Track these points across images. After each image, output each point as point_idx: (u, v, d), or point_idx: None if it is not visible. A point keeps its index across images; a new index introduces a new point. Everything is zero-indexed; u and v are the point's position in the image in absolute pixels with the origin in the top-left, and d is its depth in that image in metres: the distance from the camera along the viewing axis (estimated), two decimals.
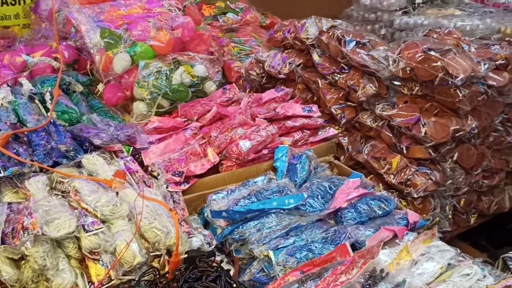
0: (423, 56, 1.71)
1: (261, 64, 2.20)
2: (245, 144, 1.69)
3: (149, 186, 1.46)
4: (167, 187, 1.52)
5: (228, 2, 2.62)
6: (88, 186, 1.36)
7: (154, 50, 1.93)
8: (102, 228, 1.22)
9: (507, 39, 2.04)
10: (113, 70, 1.88)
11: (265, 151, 1.75)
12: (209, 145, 1.72)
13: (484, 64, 1.74)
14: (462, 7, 2.79)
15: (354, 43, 1.89)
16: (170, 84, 1.90)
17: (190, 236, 1.33)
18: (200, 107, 1.87)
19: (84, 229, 1.21)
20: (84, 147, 1.60)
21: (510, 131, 1.97)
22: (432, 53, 1.70)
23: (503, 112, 1.92)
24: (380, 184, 1.82)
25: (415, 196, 1.72)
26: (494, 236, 2.36)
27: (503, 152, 2.00)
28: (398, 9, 2.82)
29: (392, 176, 1.78)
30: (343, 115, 1.93)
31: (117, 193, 1.33)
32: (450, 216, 1.82)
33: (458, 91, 1.69)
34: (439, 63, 1.67)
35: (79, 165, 1.51)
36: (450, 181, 1.80)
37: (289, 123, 1.86)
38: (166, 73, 1.90)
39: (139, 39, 1.90)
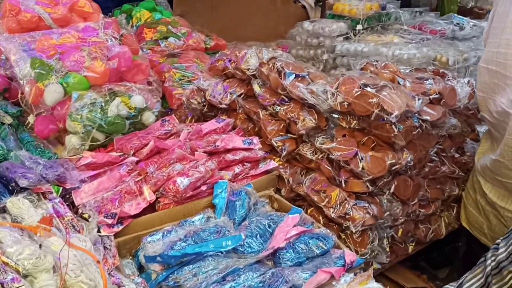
0: (359, 92, 1.73)
1: (202, 93, 2.17)
2: (182, 181, 1.65)
3: (79, 231, 1.39)
4: (98, 231, 1.46)
5: (170, 26, 2.57)
6: (11, 235, 1.27)
7: (88, 81, 1.85)
8: (23, 285, 1.14)
9: (441, 70, 2.11)
10: (44, 102, 1.79)
11: (204, 187, 1.71)
12: (145, 183, 1.67)
13: (419, 100, 1.78)
14: (400, 34, 2.87)
15: (293, 76, 1.89)
16: (106, 116, 1.82)
17: (120, 287, 1.27)
18: (137, 141, 1.81)
19: (3, 287, 1.13)
20: (10, 187, 1.51)
21: (445, 161, 2.03)
22: (368, 89, 1.73)
23: (438, 143, 1.98)
24: (320, 217, 1.83)
25: (354, 230, 1.73)
26: (432, 257, 2.43)
27: (438, 181, 2.06)
28: (339, 35, 2.86)
29: (331, 210, 1.78)
30: (284, 147, 1.92)
31: (40, 245, 1.26)
32: (387, 249, 1.84)
33: (393, 126, 1.72)
34: (374, 99, 1.69)
35: (3, 209, 1.42)
36: (387, 213, 1.83)
37: (229, 156, 1.83)
38: (101, 105, 1.83)
39: (72, 69, 1.82)
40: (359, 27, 2.85)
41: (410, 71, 2.13)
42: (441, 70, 2.11)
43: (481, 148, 2.00)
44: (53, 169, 1.55)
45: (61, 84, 1.82)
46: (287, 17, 3.95)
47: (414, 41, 2.76)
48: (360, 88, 1.74)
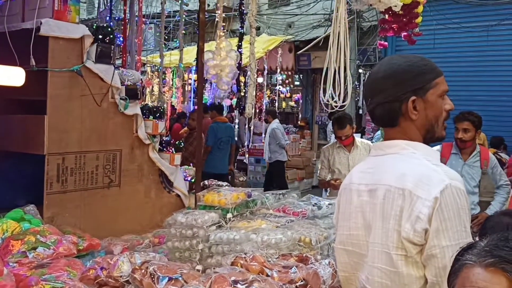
0: None
1: None
2: None
3: None
4: None
5: (38, 236, 2.52)
6: None
7: None
8: None
9: (305, 254, 2.31)
10: None
11: None
12: None
13: None
14: (267, 218, 3.11)
15: (166, 279, 1.94)
16: None
17: None
18: None
19: None
20: None
21: None
22: (239, 286, 1.83)
23: None
24: None
25: None
26: None
27: None
28: (212, 224, 3.02)
29: None
30: None
31: None
32: None
33: None
34: None
35: None
36: None
37: None
38: None
39: None
40: (229, 215, 3.06)
41: (277, 258, 2.30)
42: (304, 254, 2.32)
43: None
44: None
45: None
46: (161, 207, 4.08)
47: (280, 224, 3.01)
48: (231, 286, 1.83)
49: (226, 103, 12.81)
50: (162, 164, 4.00)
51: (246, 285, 1.82)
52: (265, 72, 12.38)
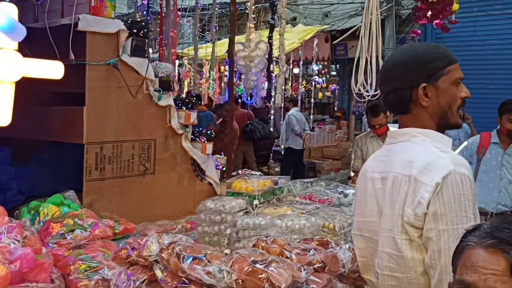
0: (250, 269, 1.92)
1: (107, 283, 2.24)
2: None
3: None
4: None
5: (76, 219, 2.71)
6: None
7: None
8: None
9: (325, 239, 2.39)
10: None
11: None
12: None
13: (304, 270, 2.00)
14: (293, 205, 3.20)
15: (191, 258, 2.06)
16: None
17: None
18: None
19: None
20: None
21: None
22: (257, 265, 1.93)
23: None
24: None
25: None
26: None
27: None
28: (239, 210, 3.13)
29: None
30: None
31: None
32: None
33: None
34: (263, 275, 1.88)
35: None
36: None
37: None
38: None
39: None
40: (256, 202, 3.16)
41: (299, 241, 2.39)
42: (325, 239, 2.39)
43: None
44: None
45: None
46: (194, 194, 4.23)
47: (305, 211, 3.09)
48: (250, 265, 1.93)
49: (262, 94, 12.94)
50: (194, 153, 4.15)
51: (265, 264, 1.93)
52: (301, 62, 12.39)
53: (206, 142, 4.19)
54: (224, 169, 4.39)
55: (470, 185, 1.59)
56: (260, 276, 1.88)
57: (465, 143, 4.72)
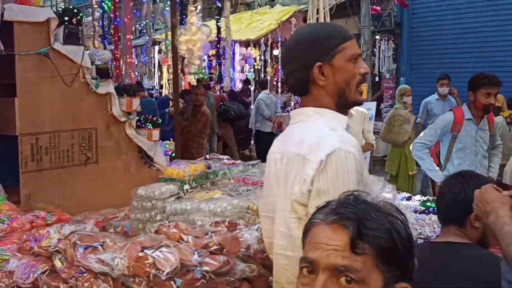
0: (138, 255, 1.91)
1: (11, 274, 2.24)
2: None
3: None
4: None
5: None
6: None
7: None
8: None
9: (235, 221, 2.37)
10: None
11: None
12: None
13: (196, 253, 1.99)
14: (225, 188, 3.18)
15: (84, 247, 2.05)
16: None
17: None
18: None
19: None
20: None
21: None
22: (146, 251, 1.92)
23: None
24: None
25: None
26: None
27: None
28: (171, 195, 3.11)
29: None
30: None
31: None
32: None
33: (172, 282, 1.88)
34: (150, 260, 1.87)
35: None
36: None
37: None
38: None
39: None
40: (186, 187, 3.14)
41: (210, 224, 2.38)
42: (236, 221, 2.38)
43: None
44: None
45: None
46: (143, 181, 4.17)
47: (236, 193, 3.08)
48: (140, 251, 1.92)
49: (241, 77, 12.82)
50: (140, 140, 4.11)
51: (153, 249, 1.91)
52: (279, 43, 12.27)
53: (152, 128, 4.15)
54: (173, 155, 4.36)
55: (355, 163, 1.59)
56: (146, 261, 1.87)
57: (443, 122, 4.52)
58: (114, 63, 5.65)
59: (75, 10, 3.69)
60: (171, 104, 8.47)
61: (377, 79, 11.90)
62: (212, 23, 6.06)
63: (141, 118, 4.20)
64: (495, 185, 1.76)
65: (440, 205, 2.08)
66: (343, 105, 1.75)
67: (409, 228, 1.22)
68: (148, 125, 4.13)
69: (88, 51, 3.80)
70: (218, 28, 4.61)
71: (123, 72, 5.61)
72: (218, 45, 4.60)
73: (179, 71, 4.35)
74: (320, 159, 1.56)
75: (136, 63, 9.66)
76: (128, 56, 5.61)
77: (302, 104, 1.81)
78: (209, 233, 2.11)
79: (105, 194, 3.96)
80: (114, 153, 4.03)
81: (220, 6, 4.51)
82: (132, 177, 4.17)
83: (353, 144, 1.62)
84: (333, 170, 1.55)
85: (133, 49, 8.32)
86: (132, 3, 5.53)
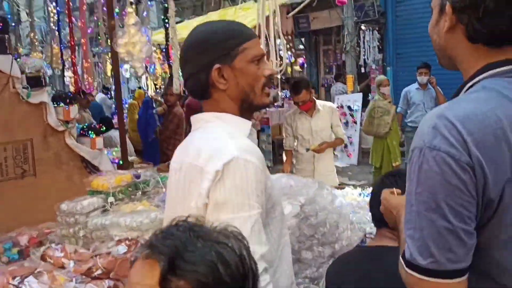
0: (4, 285, 1.76)
1: None
2: None
3: None
4: None
5: None
6: None
7: None
8: None
9: (137, 239, 2.21)
10: None
11: None
12: None
13: (74, 280, 1.83)
14: (152, 199, 3.02)
15: None
16: None
17: None
18: None
19: None
20: None
21: None
22: (11, 282, 1.76)
23: None
24: None
25: None
26: None
27: None
28: (94, 209, 2.95)
29: None
30: None
31: None
32: None
33: None
34: None
35: None
36: None
37: None
38: None
39: None
40: (110, 199, 2.98)
41: (112, 245, 2.22)
42: (137, 239, 2.22)
43: None
44: None
45: None
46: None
47: (164, 204, 2.91)
48: (8, 282, 1.76)
49: None
50: (81, 150, 3.95)
51: (23, 277, 1.76)
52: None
53: (94, 136, 3.99)
54: (121, 162, 4.20)
55: (255, 172, 1.43)
56: None
57: None
58: (72, 68, 5.51)
59: (1, 18, 3.53)
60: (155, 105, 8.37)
61: (362, 70, 11.67)
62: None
63: (84, 126, 4.04)
64: (390, 190, 1.62)
65: (373, 205, 1.90)
66: (247, 109, 1.60)
67: (243, 253, 1.07)
68: (91, 133, 3.97)
69: (18, 60, 3.64)
70: (166, 28, 4.43)
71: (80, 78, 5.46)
72: (166, 47, 4.43)
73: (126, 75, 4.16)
74: (216, 169, 1.40)
75: None
76: (84, 60, 5.45)
77: (203, 109, 1.65)
78: (93, 257, 1.94)
79: (46, 207, 3.78)
80: (54, 164, 3.87)
81: (166, 5, 4.32)
82: (77, 188, 3.99)
83: (254, 153, 1.47)
84: (230, 180, 1.40)
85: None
86: (85, 6, 5.37)
